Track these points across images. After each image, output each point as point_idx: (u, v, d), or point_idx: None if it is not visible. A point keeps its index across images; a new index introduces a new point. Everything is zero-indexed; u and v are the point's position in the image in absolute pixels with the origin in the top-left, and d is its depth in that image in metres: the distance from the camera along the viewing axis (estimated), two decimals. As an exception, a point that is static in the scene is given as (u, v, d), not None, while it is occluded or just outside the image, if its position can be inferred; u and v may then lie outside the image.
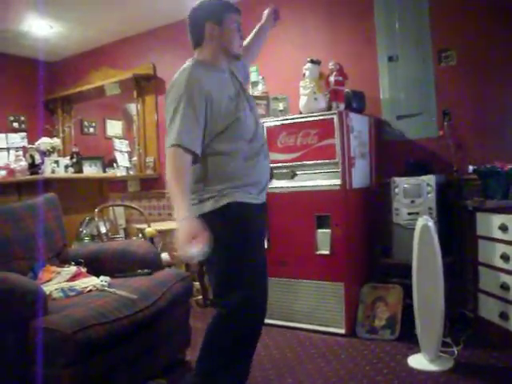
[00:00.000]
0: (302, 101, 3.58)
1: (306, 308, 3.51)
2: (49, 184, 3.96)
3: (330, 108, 3.51)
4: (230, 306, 1.99)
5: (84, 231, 4.30)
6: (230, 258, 1.98)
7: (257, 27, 2.48)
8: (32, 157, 4.37)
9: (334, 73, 3.52)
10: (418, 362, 2.79)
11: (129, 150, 5.80)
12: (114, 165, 5.56)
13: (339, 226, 3.35)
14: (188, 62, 2.08)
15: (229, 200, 1.97)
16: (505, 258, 2.85)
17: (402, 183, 3.37)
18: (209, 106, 1.95)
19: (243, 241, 1.99)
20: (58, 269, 2.79)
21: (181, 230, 1.78)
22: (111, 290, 2.53)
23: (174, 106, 1.93)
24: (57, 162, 4.32)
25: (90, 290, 2.58)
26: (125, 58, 5.59)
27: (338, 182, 3.36)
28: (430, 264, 2.75)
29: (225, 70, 2.14)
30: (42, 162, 4.30)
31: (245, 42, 2.31)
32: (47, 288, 2.50)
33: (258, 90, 4.13)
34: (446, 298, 2.73)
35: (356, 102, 3.61)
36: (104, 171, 4.98)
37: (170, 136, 1.91)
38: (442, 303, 2.71)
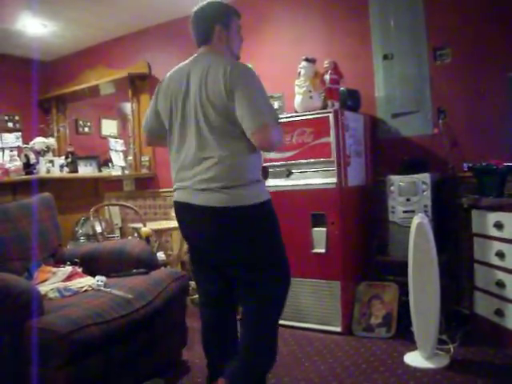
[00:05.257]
0: (297, 99, 3.58)
1: (302, 306, 3.51)
2: (44, 184, 3.95)
3: (325, 106, 3.51)
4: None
5: (79, 231, 4.30)
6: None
7: None
8: (27, 156, 4.36)
9: (329, 71, 3.52)
10: (414, 359, 2.79)
11: (124, 149, 5.79)
12: (110, 164, 5.56)
13: (335, 225, 3.36)
14: (227, 58, 2.10)
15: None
16: (500, 255, 2.85)
17: (398, 181, 3.38)
18: None
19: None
20: (54, 269, 2.79)
21: None
22: (107, 289, 2.53)
23: (260, 88, 2.02)
24: (52, 161, 4.32)
25: (86, 290, 2.58)
26: (119, 57, 5.58)
27: (333, 180, 3.36)
28: (425, 262, 2.75)
29: None
30: (37, 162, 4.29)
31: None
32: (43, 288, 2.49)
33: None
34: (442, 296, 2.74)
35: (351, 101, 3.61)
36: (99, 171, 4.97)
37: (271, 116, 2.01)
38: (438, 300, 2.71)
